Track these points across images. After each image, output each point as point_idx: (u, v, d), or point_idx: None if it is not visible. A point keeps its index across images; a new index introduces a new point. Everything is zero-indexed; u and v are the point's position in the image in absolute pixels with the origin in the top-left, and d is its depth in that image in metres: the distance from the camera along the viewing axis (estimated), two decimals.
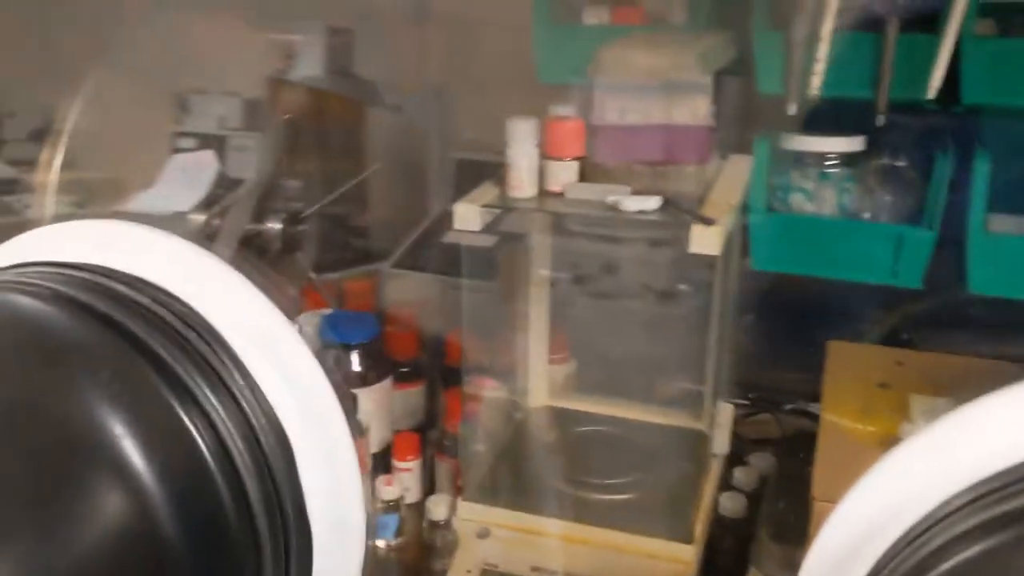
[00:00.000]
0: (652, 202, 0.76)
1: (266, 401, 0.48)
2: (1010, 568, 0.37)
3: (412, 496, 0.96)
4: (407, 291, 1.21)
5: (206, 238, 0.94)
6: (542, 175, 0.80)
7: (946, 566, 0.38)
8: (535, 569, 0.81)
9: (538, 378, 1.00)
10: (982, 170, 0.81)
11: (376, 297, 1.19)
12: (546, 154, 0.80)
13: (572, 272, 1.12)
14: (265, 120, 1.29)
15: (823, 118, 0.88)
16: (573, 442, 0.94)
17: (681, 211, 0.75)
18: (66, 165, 1.31)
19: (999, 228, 0.83)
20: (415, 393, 1.05)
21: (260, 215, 0.98)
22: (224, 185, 1.10)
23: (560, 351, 1.04)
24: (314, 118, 1.31)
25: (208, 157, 1.17)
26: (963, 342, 0.93)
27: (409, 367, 1.05)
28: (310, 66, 1.30)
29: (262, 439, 0.48)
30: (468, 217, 0.77)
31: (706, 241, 0.72)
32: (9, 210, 1.37)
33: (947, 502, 0.40)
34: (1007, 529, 0.37)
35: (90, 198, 1.30)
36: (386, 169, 1.34)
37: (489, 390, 0.96)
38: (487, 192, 0.81)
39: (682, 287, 1.06)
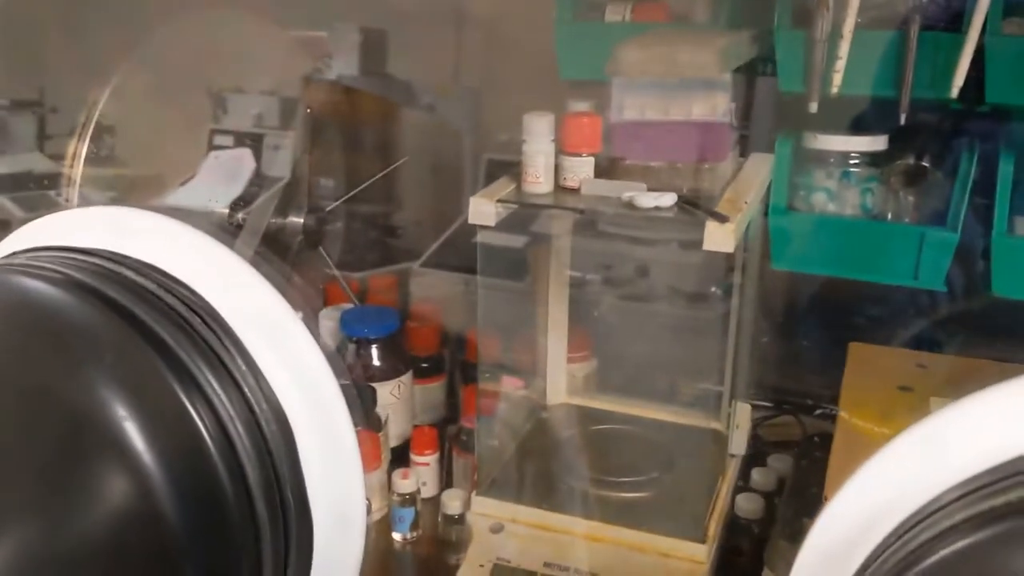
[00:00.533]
0: (667, 199, 0.76)
1: (269, 388, 0.49)
2: (994, 563, 0.37)
3: (429, 490, 0.96)
4: (433, 288, 1.22)
5: (227, 232, 0.96)
6: (558, 171, 0.80)
7: (932, 560, 0.38)
8: (548, 565, 0.81)
9: (557, 376, 1.00)
10: (1006, 172, 0.79)
11: (399, 293, 1.20)
12: (563, 150, 0.80)
13: (600, 274, 1.12)
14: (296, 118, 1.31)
15: (869, 119, 0.87)
16: (590, 439, 0.93)
17: (695, 208, 0.75)
18: (108, 161, 1.33)
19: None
20: (435, 388, 1.06)
21: (284, 210, 0.99)
22: (259, 183, 1.12)
23: (581, 350, 1.03)
24: (347, 117, 1.33)
25: (245, 155, 1.19)
26: (990, 346, 0.91)
27: (430, 362, 1.05)
28: (344, 66, 1.32)
29: (263, 425, 0.48)
30: (483, 211, 0.77)
31: (720, 238, 0.72)
32: (53, 203, 1.40)
33: (938, 497, 0.40)
34: (993, 525, 0.37)
35: (130, 193, 1.32)
36: (419, 169, 1.35)
37: (507, 387, 0.96)
38: (503, 187, 0.81)
39: (713, 290, 1.06)
